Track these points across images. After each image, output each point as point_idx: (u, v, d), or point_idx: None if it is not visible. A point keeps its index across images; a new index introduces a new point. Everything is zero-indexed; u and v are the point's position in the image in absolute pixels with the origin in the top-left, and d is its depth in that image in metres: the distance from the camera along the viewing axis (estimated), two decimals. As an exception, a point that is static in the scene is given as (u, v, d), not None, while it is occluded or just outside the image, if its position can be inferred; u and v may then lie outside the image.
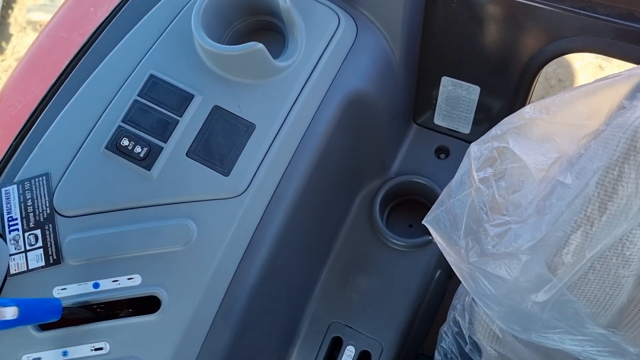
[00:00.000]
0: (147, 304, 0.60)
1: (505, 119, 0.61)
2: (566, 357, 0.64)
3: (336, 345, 0.79)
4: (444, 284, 0.86)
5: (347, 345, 0.78)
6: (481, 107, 0.82)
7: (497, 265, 0.56)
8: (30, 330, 0.58)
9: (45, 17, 2.03)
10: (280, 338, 0.77)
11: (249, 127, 0.64)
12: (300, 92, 0.66)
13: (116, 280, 0.59)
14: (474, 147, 0.62)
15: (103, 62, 0.66)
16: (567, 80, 1.80)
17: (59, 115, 0.64)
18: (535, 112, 0.59)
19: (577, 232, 0.51)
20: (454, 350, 0.70)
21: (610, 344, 0.58)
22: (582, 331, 0.57)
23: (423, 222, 0.63)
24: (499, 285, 0.57)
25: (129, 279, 0.59)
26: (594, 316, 0.56)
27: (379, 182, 0.85)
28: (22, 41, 2.05)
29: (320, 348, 0.78)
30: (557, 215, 0.52)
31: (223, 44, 0.66)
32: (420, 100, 0.86)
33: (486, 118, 0.83)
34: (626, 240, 0.50)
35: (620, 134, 0.48)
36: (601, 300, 0.55)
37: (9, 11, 2.11)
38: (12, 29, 2.08)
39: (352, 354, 0.77)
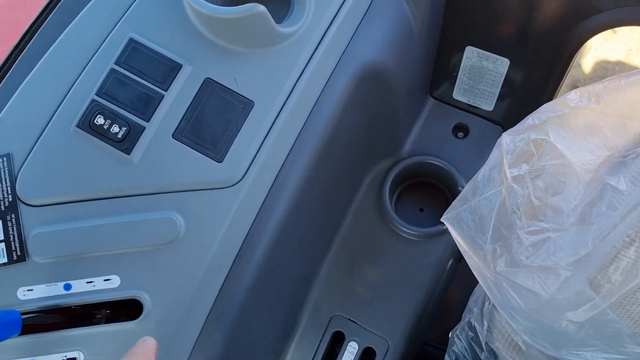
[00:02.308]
0: (127, 309, 0.52)
1: (545, 105, 0.52)
2: (594, 373, 0.58)
3: (337, 341, 0.73)
4: (454, 272, 0.80)
5: (349, 341, 0.72)
6: (508, 83, 0.73)
7: (529, 278, 0.49)
8: (-7, 337, 0.51)
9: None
10: (278, 332, 0.71)
11: (247, 105, 0.55)
12: (307, 63, 0.57)
13: (91, 282, 0.52)
14: (506, 138, 0.53)
15: (74, 22, 0.56)
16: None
17: (21, 85, 0.54)
18: (583, 99, 0.51)
19: (630, 248, 0.44)
20: (467, 355, 0.64)
21: (648, 363, 0.52)
22: (620, 350, 0.51)
23: (442, 220, 0.56)
24: (530, 300, 0.50)
25: (105, 280, 0.52)
26: (636, 336, 0.50)
27: (389, 163, 0.76)
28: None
29: (320, 343, 0.72)
30: (608, 228, 0.44)
31: (218, 4, 0.56)
32: (438, 72, 0.76)
33: (512, 95, 0.74)
34: (688, 260, 0.43)
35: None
36: (647, 321, 0.48)
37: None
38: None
39: (355, 351, 0.72)
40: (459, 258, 0.81)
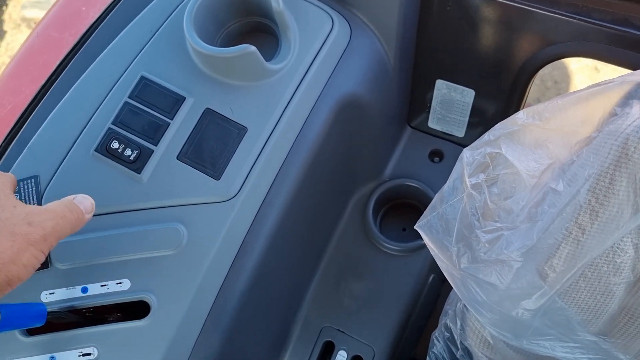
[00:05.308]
0: (136, 309, 0.59)
1: (498, 124, 0.60)
2: (557, 364, 0.64)
3: (328, 350, 0.79)
4: (437, 288, 0.86)
5: (339, 350, 0.78)
6: (475, 111, 0.82)
7: (488, 271, 0.55)
8: (17, 335, 0.57)
9: (39, 14, 2.02)
10: (272, 342, 0.77)
11: (241, 130, 0.63)
12: (293, 95, 0.66)
13: (105, 285, 0.59)
14: (466, 153, 0.61)
15: (94, 63, 0.66)
16: (562, 82, 1.79)
17: (49, 117, 0.63)
18: (528, 117, 0.59)
19: (568, 239, 0.51)
20: (445, 356, 0.70)
21: (601, 351, 0.57)
22: (574, 338, 0.57)
23: (415, 227, 0.63)
24: (490, 292, 0.56)
25: (117, 283, 0.59)
26: (585, 323, 0.56)
27: (372, 186, 0.84)
28: (16, 38, 2.03)
29: (312, 352, 0.78)
30: (548, 223, 0.52)
31: (216, 45, 0.66)
32: (414, 103, 0.85)
33: (480, 122, 0.83)
34: (617, 247, 0.50)
35: (611, 141, 0.48)
36: (592, 308, 0.55)
37: (4, 8, 2.10)
38: (6, 26, 2.07)
39: (344, 359, 0.77)
40: (443, 278, 0.87)
